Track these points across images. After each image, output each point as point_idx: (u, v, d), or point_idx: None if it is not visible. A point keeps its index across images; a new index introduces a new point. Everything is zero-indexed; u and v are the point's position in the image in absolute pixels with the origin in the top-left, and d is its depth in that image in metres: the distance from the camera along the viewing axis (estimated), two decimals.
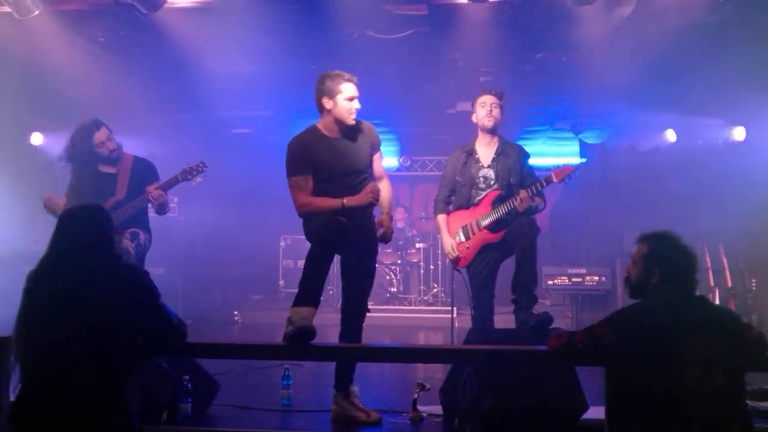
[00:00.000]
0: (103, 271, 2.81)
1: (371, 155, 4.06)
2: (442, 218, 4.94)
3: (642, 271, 2.85)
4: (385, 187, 4.09)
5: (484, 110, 4.77)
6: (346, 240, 3.76)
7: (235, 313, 9.59)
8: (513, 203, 4.59)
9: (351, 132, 3.97)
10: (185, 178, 4.81)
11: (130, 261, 4.28)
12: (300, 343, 3.40)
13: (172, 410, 3.92)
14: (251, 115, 9.31)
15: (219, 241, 9.84)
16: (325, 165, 3.88)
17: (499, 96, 4.79)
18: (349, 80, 3.90)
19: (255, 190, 10.26)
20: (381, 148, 4.15)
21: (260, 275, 10.45)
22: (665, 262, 2.80)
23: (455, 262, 4.86)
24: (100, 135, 4.68)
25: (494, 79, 7.60)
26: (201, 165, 4.83)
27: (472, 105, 4.87)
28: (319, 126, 3.97)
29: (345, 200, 3.78)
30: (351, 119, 3.90)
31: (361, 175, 3.97)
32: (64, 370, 2.65)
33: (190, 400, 4.03)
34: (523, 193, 4.54)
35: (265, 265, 10.41)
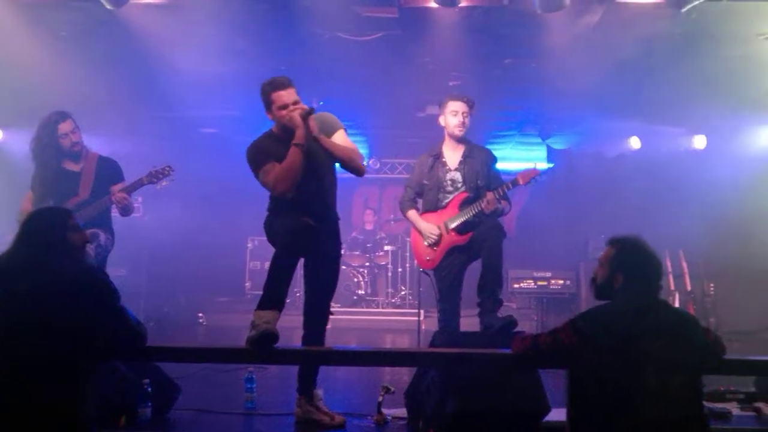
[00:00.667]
0: (60, 273, 2.75)
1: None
2: (413, 213, 4.95)
3: (607, 274, 2.88)
4: (341, 139, 3.91)
5: (456, 119, 4.78)
6: (311, 241, 3.73)
7: (200, 315, 9.48)
8: (480, 205, 4.61)
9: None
10: (151, 181, 4.74)
11: (90, 263, 4.19)
12: (262, 347, 3.36)
13: (131, 415, 3.84)
14: (219, 114, 9.23)
15: (184, 242, 9.71)
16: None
17: (471, 105, 4.81)
18: (278, 88, 3.77)
19: (222, 191, 10.16)
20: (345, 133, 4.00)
21: (226, 277, 10.35)
22: (630, 266, 2.83)
23: (423, 263, 4.87)
24: (64, 126, 4.60)
25: (463, 84, 7.65)
26: (167, 168, 4.76)
27: (441, 108, 4.88)
28: (274, 129, 3.94)
29: (295, 141, 3.66)
30: (293, 124, 3.76)
31: (323, 169, 3.92)
32: (20, 373, 2.58)
33: (149, 404, 3.96)
34: (489, 195, 4.58)
35: (232, 267, 10.31)
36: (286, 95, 3.78)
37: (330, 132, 3.92)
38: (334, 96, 7.81)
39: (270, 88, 3.78)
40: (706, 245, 8.17)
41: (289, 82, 3.81)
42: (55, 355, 2.62)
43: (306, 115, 3.72)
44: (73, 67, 6.98)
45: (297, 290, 9.52)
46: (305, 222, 3.66)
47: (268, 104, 3.81)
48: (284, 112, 3.77)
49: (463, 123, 4.78)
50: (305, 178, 3.78)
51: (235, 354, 3.53)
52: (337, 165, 3.96)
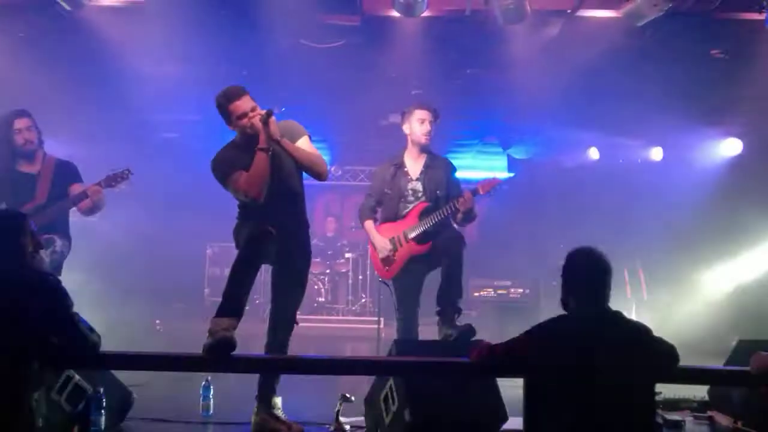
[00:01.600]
0: (10, 279, 2.69)
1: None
2: (370, 223, 4.98)
3: (562, 288, 2.92)
4: (305, 146, 3.93)
5: (423, 128, 4.81)
6: (274, 248, 3.71)
7: (157, 321, 9.33)
8: (451, 208, 4.64)
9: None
10: (109, 185, 4.64)
11: (44, 269, 4.10)
12: (220, 354, 3.32)
13: (84, 424, 3.75)
14: (180, 119, 9.12)
15: (142, 247, 9.56)
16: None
17: (437, 115, 4.86)
18: (234, 98, 3.76)
19: (182, 196, 10.00)
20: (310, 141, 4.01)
21: (185, 283, 10.21)
22: (575, 276, 2.88)
23: (382, 273, 4.89)
24: (20, 122, 4.52)
25: (425, 93, 7.70)
26: (126, 171, 4.68)
27: (406, 116, 4.90)
28: (236, 139, 3.94)
29: (260, 146, 3.67)
30: (255, 130, 3.75)
31: (289, 175, 3.91)
32: None
33: (103, 413, 3.88)
34: (468, 194, 4.62)
35: (191, 273, 10.18)
36: (243, 104, 3.78)
37: (294, 138, 3.94)
38: (295, 103, 7.74)
39: (225, 100, 3.78)
40: (662, 254, 8.33)
41: (242, 90, 3.80)
42: (6, 362, 2.55)
43: (266, 118, 3.73)
44: (30, 68, 6.83)
45: (257, 297, 9.45)
46: (266, 229, 3.64)
47: (227, 117, 3.81)
48: (245, 120, 3.78)
49: (429, 132, 4.81)
50: (271, 185, 3.78)
51: (192, 362, 3.48)
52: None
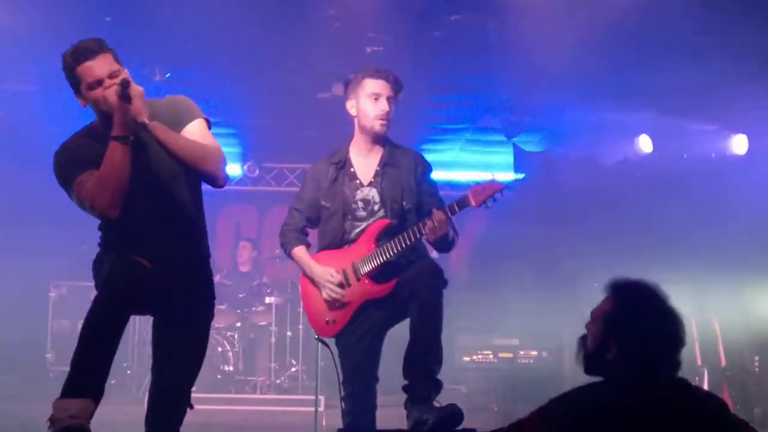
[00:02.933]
0: None
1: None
2: (301, 251, 5.02)
3: (598, 337, 2.95)
4: (196, 132, 3.94)
5: (377, 107, 4.86)
6: (152, 293, 3.74)
7: None
8: (415, 233, 4.68)
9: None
10: None
11: None
12: None
13: None
14: (5, 89, 9.03)
15: None
16: None
17: (398, 86, 4.92)
18: (84, 57, 3.76)
19: (12, 208, 9.89)
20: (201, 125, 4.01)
21: (17, 344, 10.04)
22: (630, 331, 2.91)
23: (321, 326, 4.92)
24: None
25: (387, 51, 7.74)
26: None
27: (350, 88, 4.96)
28: (95, 123, 3.97)
29: (114, 133, 3.68)
30: (109, 107, 3.75)
31: (169, 179, 3.93)
32: None
33: None
34: (439, 214, 4.64)
35: (25, 328, 10.02)
36: (97, 66, 3.74)
37: (179, 122, 3.93)
38: (188, 66, 7.77)
39: (72, 59, 3.76)
40: (750, 298, 8.35)
41: (99, 47, 3.77)
42: None
43: (123, 90, 3.66)
44: None
45: (128, 365, 9.41)
46: (135, 262, 3.66)
47: (75, 84, 3.80)
48: (98, 91, 3.76)
49: (388, 112, 4.87)
50: (142, 193, 3.80)
51: None
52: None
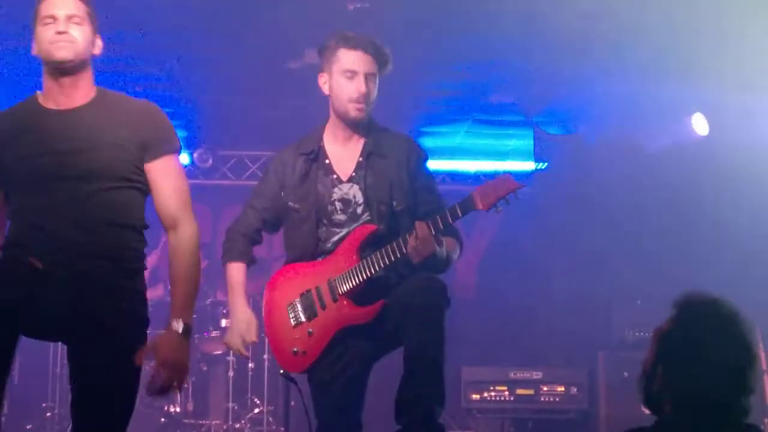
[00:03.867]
0: None
1: (136, 157, 4.06)
2: (237, 269, 5.11)
3: (649, 362, 2.95)
4: (183, 243, 4.28)
5: (352, 86, 4.85)
6: (46, 306, 3.75)
7: None
8: (400, 249, 4.66)
9: (96, 103, 4.06)
10: None
11: None
12: None
13: None
14: None
15: None
16: (22, 157, 3.95)
17: (383, 59, 4.91)
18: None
19: None
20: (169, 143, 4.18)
21: None
22: (677, 356, 2.90)
23: (289, 360, 4.92)
24: None
25: (375, 8, 7.72)
26: None
27: (323, 61, 4.97)
28: (41, 93, 4.12)
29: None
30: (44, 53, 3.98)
31: (98, 182, 3.97)
32: None
33: None
34: (422, 228, 4.59)
35: None
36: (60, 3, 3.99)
37: (155, 149, 4.10)
38: (123, 27, 7.71)
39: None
40: None
41: None
42: None
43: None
44: None
45: (48, 406, 9.35)
46: (28, 264, 3.68)
47: (33, 24, 4.03)
48: (45, 28, 3.96)
49: (366, 94, 4.85)
50: (55, 181, 3.90)
51: None
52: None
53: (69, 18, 3.93)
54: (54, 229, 3.87)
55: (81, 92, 4.04)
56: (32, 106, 4.08)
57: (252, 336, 4.95)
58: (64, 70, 3.97)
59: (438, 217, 4.66)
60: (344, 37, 4.93)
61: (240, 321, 4.93)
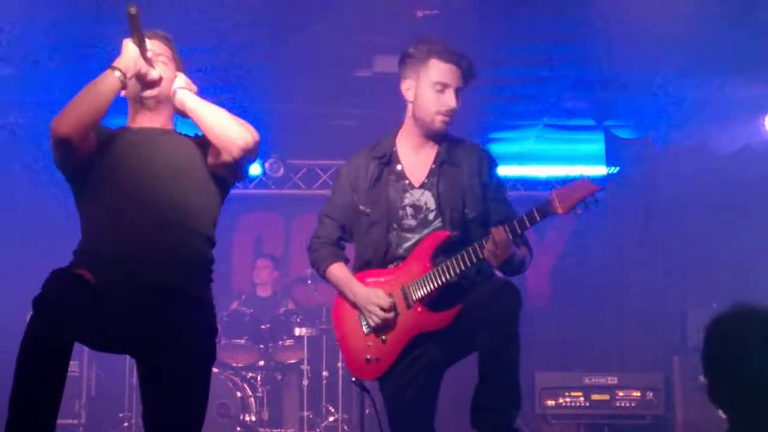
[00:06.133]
0: None
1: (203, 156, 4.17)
2: (339, 269, 5.03)
3: (710, 389, 2.95)
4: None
5: (440, 101, 4.84)
6: (116, 324, 3.78)
7: None
8: (475, 254, 4.66)
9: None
10: None
11: None
12: None
13: None
14: None
15: None
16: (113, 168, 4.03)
17: (470, 74, 4.90)
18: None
19: None
20: None
21: None
22: (731, 372, 2.90)
23: (360, 367, 4.93)
24: None
25: (445, 16, 7.71)
26: None
27: (409, 67, 4.95)
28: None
29: (115, 63, 4.02)
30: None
31: (178, 173, 4.10)
32: None
33: None
34: (498, 234, 4.58)
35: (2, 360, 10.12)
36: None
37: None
38: (193, 39, 7.75)
39: None
40: None
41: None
42: None
43: (134, 21, 3.96)
44: None
45: (126, 416, 9.42)
46: (79, 277, 3.68)
47: None
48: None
49: (452, 110, 4.85)
50: (114, 189, 3.99)
51: None
52: None
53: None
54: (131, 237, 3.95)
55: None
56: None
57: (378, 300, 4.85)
58: None
59: (515, 221, 4.65)
60: (437, 49, 4.90)
61: (366, 294, 4.85)
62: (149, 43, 4.11)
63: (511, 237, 4.60)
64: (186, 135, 4.30)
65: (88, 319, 3.67)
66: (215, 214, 4.23)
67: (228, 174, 4.20)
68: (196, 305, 4.09)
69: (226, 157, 4.06)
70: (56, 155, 3.98)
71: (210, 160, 4.15)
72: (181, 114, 4.23)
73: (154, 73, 4.10)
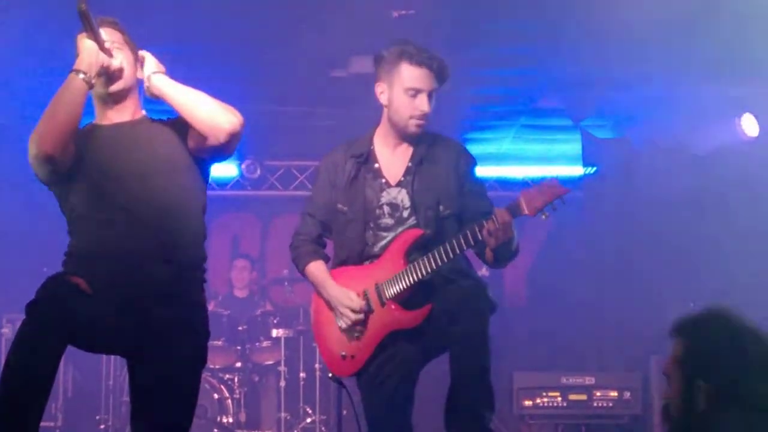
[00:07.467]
0: None
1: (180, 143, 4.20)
2: (317, 267, 5.04)
3: (682, 391, 2.95)
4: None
5: (412, 106, 4.84)
6: (109, 329, 3.79)
7: None
8: (460, 244, 4.66)
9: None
10: None
11: None
12: None
13: None
14: None
15: None
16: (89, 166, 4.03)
17: (443, 76, 4.90)
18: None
19: None
20: None
21: None
22: (716, 363, 2.91)
23: (337, 364, 4.94)
24: None
25: (420, 16, 7.71)
26: None
27: (382, 70, 4.95)
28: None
29: (76, 66, 3.99)
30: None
31: (158, 168, 4.10)
32: None
33: None
34: (502, 214, 4.57)
35: None
36: None
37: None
38: (168, 41, 7.73)
39: None
40: None
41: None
42: None
43: (85, 17, 3.91)
44: None
45: (99, 417, 9.41)
46: (71, 283, 3.70)
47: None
48: None
49: (426, 114, 4.86)
50: (97, 191, 4.01)
51: None
52: None
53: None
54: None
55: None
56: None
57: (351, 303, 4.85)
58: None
59: (482, 223, 4.62)
60: (408, 52, 4.87)
61: (338, 295, 4.86)
62: (102, 33, 4.06)
63: (480, 238, 4.60)
64: (159, 120, 4.27)
65: (81, 324, 3.71)
66: (203, 200, 4.25)
67: (212, 156, 4.25)
68: (189, 307, 4.12)
69: (212, 141, 4.08)
70: (41, 173, 3.97)
71: (191, 143, 4.16)
72: (152, 97, 4.19)
73: (115, 62, 4.06)
